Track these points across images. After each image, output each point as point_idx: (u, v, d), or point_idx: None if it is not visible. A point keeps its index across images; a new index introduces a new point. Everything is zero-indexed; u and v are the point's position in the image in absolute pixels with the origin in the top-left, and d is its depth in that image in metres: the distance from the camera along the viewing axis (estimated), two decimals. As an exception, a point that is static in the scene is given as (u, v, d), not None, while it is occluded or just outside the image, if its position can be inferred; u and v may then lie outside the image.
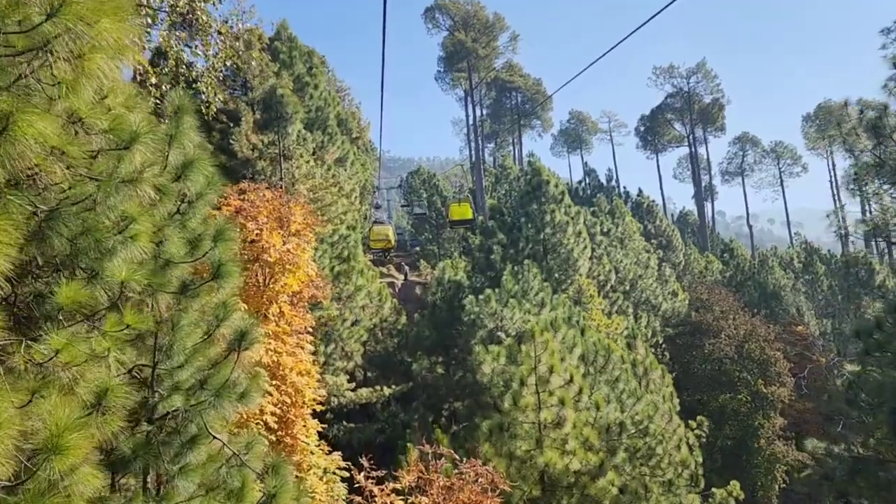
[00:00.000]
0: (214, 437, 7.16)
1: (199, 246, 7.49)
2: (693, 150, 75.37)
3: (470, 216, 21.60)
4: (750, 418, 32.38)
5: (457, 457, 9.67)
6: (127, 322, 4.77)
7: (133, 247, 5.26)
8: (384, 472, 18.20)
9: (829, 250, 63.26)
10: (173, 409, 6.96)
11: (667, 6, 8.67)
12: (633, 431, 17.44)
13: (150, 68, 10.34)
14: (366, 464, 9.84)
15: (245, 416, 10.27)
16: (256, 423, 11.17)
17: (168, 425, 7.11)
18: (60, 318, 4.61)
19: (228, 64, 11.58)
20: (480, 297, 23.35)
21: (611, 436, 16.35)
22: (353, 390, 22.54)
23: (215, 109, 12.08)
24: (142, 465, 6.81)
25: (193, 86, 11.80)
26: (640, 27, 9.02)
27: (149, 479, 7.06)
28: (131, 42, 4.47)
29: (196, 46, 10.98)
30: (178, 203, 7.21)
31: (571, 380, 13.83)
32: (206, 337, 7.34)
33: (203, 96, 11.78)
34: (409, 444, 17.50)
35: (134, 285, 6.50)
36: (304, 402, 12.51)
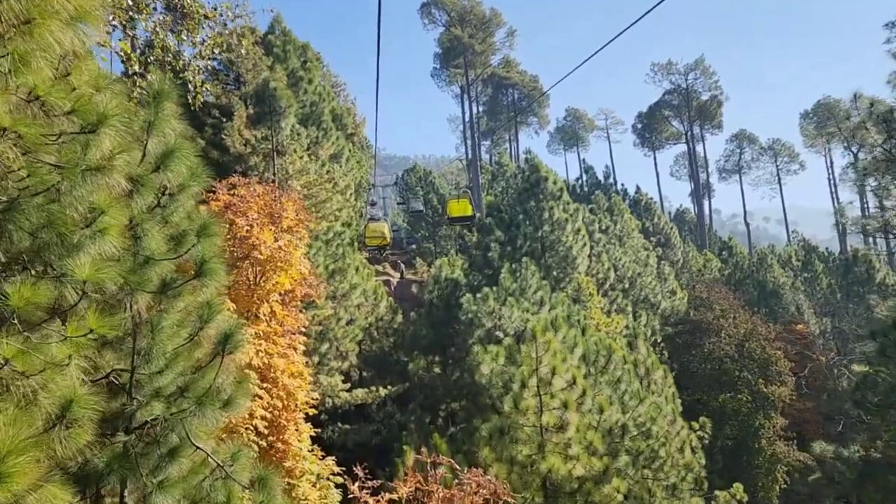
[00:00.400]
0: (197, 448, 6.66)
1: (181, 242, 7.00)
2: (691, 147, 75.00)
3: (469, 213, 21.01)
4: (750, 418, 31.98)
5: (457, 466, 9.16)
6: (90, 326, 4.24)
7: (102, 242, 4.74)
8: (381, 477, 17.75)
9: (827, 248, 63.04)
10: (152, 417, 6.46)
11: (659, 3, 8.28)
12: (635, 434, 17.00)
13: (133, 55, 9.79)
14: (360, 473, 9.35)
15: (234, 422, 9.77)
16: (246, 429, 10.66)
17: (147, 435, 6.61)
18: (14, 321, 4.08)
19: (217, 52, 11.05)
20: (478, 295, 22.86)
21: (613, 438, 15.91)
22: (348, 391, 22.04)
23: (202, 100, 11.52)
24: (118, 479, 6.31)
25: (180, 76, 11.26)
26: (635, 22, 8.56)
27: (126, 494, 6.54)
28: (95, 10, 3.95)
29: (182, 32, 10.40)
30: (159, 195, 6.69)
31: (574, 382, 13.35)
32: (188, 340, 6.86)
33: (190, 86, 11.21)
34: (405, 447, 17.02)
35: (109, 284, 6.02)
36: (296, 406, 12.00)
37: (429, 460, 8.80)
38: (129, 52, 9.65)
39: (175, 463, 6.35)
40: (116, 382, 6.85)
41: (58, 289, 4.99)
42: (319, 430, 15.03)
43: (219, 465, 6.68)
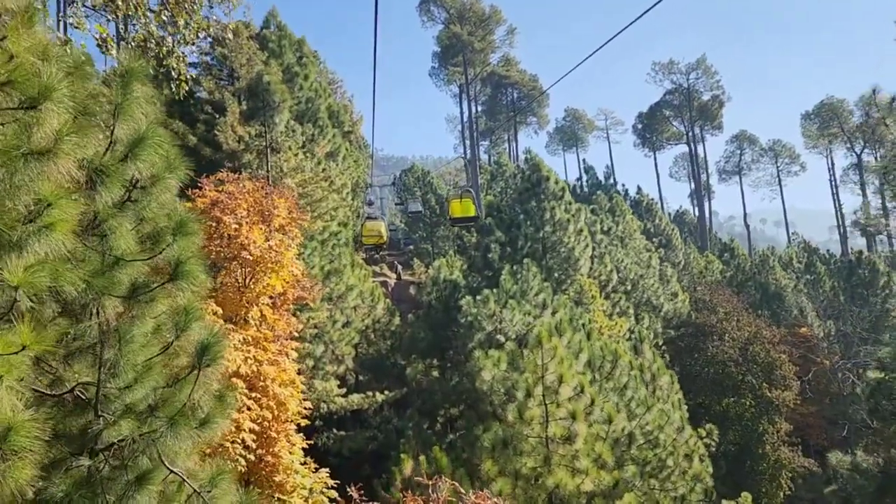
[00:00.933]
0: (171, 471, 5.94)
1: (158, 241, 6.28)
2: (692, 147, 74.36)
3: (472, 213, 20.23)
4: (754, 423, 31.34)
5: (461, 489, 8.45)
6: (22, 341, 3.52)
7: (49, 239, 4.03)
8: (377, 486, 17.02)
9: (828, 250, 62.49)
10: (120, 438, 5.74)
11: (658, 1, 7.77)
12: (642, 443, 16.33)
13: (110, 39, 9.03)
14: (355, 494, 8.66)
15: (218, 436, 9.02)
16: (233, 443, 9.92)
17: (115, 457, 5.89)
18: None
19: (201, 35, 10.34)
20: (478, 297, 22.16)
21: (619, 448, 15.23)
22: (343, 396, 21.32)
23: (186, 88, 10.81)
24: (79, 510, 5.58)
25: (164, 63, 10.55)
26: (635, 21, 7.97)
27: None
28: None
29: (161, 12, 9.66)
30: (129, 189, 5.96)
31: (582, 390, 12.65)
32: (162, 350, 6.15)
33: (174, 73, 10.49)
34: (403, 455, 16.32)
35: (69, 288, 5.33)
36: (287, 417, 11.26)
37: (430, 483, 8.07)
38: (104, 33, 8.89)
39: (144, 490, 5.62)
40: (82, 397, 6.15)
41: (8, 294, 4.30)
42: (312, 442, 14.28)
43: (196, 491, 5.97)
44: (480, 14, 58.59)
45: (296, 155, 22.18)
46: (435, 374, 24.44)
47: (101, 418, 5.93)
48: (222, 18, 15.38)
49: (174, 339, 5.87)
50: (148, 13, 9.07)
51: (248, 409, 10.36)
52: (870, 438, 35.81)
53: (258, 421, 10.54)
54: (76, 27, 8.49)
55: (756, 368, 32.76)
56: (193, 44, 9.94)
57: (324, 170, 24.81)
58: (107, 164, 5.46)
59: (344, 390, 21.58)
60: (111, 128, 5.49)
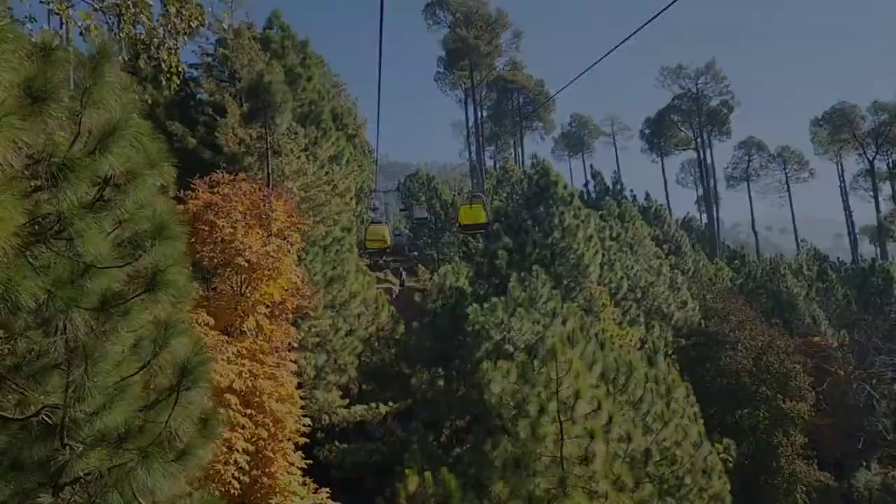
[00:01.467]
0: (146, 510, 5.22)
1: (137, 246, 5.57)
2: (702, 153, 73.61)
3: (483, 219, 19.44)
4: (769, 436, 30.43)
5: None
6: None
7: (-17, 243, 3.33)
8: (380, 503, 16.30)
9: (838, 258, 61.64)
10: (86, 472, 5.02)
11: (669, 6, 7.19)
12: (658, 459, 15.55)
13: (94, 27, 8.37)
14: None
15: (199, 469, 8.29)
16: (225, 464, 9.19)
17: (81, 493, 5.17)
18: None
19: (194, 25, 9.69)
20: (485, 305, 21.43)
21: (636, 465, 14.44)
22: (346, 407, 20.61)
23: (178, 82, 10.17)
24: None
25: (155, 56, 9.89)
26: (643, 26, 7.36)
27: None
28: None
29: (148, -8, 9.07)
30: (102, 186, 5.25)
31: (599, 406, 11.89)
32: (141, 369, 5.45)
33: (163, 65, 9.83)
34: (407, 470, 15.63)
35: (26, 300, 4.68)
36: (285, 435, 10.53)
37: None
38: (88, 20, 8.19)
39: (111, 533, 4.91)
40: (49, 422, 5.45)
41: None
42: (313, 460, 13.54)
43: (174, 532, 5.25)
44: (487, 18, 58.06)
45: (298, 158, 21.52)
46: (440, 384, 23.69)
47: (67, 447, 5.23)
48: (223, 19, 14.68)
49: (151, 358, 5.17)
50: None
51: (242, 427, 9.64)
52: (885, 451, 34.91)
53: (253, 440, 9.82)
54: (56, 13, 7.84)
55: (770, 379, 31.87)
56: (186, 34, 9.29)
57: (327, 173, 24.15)
58: (73, 158, 4.77)
59: (346, 401, 20.90)
60: (78, 116, 4.82)
